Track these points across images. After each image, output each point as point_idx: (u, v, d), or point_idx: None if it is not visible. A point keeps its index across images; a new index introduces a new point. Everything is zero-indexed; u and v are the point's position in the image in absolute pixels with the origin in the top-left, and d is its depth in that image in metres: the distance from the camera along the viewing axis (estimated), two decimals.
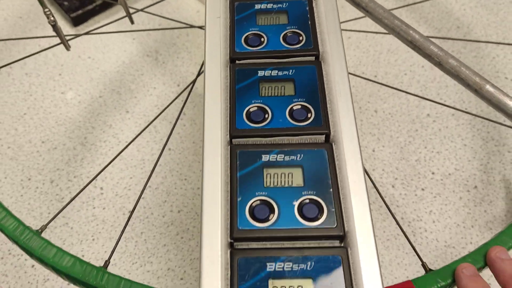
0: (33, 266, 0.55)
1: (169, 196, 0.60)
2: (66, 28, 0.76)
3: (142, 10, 0.63)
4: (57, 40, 0.48)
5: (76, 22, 0.75)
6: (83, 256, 0.55)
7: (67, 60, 0.72)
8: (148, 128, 0.65)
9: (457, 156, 0.62)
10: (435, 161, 0.62)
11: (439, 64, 0.36)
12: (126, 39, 0.75)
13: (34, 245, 0.36)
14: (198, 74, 0.56)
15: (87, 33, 0.65)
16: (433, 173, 0.61)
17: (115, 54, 0.73)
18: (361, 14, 0.43)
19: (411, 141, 0.63)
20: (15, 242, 0.37)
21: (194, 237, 0.57)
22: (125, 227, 0.43)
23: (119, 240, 0.41)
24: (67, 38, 0.48)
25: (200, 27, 0.68)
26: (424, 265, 0.38)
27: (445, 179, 0.60)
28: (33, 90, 0.69)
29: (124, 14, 0.53)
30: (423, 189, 0.59)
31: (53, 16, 0.45)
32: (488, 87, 0.34)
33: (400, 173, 0.60)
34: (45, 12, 0.45)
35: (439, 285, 0.36)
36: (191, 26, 0.73)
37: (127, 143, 0.63)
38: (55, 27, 0.45)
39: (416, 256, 0.40)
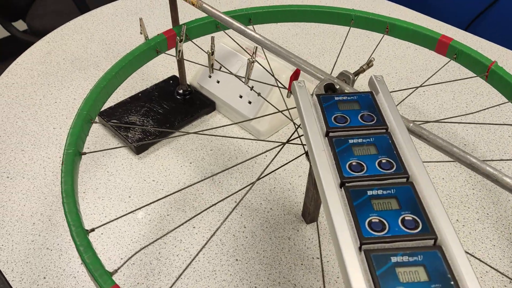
0: None
1: None
2: (130, 156, 0.86)
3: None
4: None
5: (139, 150, 0.86)
6: None
7: (134, 184, 0.81)
8: (215, 241, 0.73)
9: (490, 255, 0.72)
10: (471, 260, 0.71)
11: (495, 181, 0.47)
12: (184, 163, 0.85)
13: None
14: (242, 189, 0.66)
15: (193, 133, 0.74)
16: None
17: (176, 177, 0.83)
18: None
19: None
20: None
21: None
22: None
23: None
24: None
25: (263, 140, 0.79)
26: None
27: (483, 276, 0.69)
28: (107, 212, 0.77)
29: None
30: None
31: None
32: None
33: None
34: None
35: None
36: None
37: (197, 256, 0.71)
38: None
39: None
